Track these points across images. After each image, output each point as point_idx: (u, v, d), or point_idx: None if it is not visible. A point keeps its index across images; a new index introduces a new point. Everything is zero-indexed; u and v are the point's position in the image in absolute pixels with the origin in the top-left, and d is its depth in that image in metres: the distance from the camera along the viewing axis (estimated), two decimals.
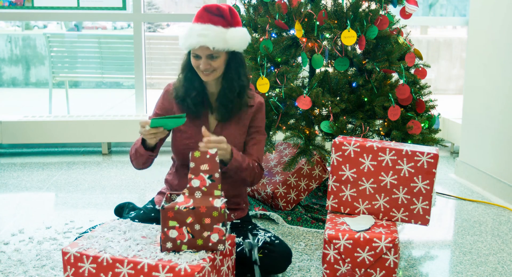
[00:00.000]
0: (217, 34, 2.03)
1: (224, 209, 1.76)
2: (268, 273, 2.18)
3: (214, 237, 1.77)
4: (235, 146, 2.16)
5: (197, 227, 1.76)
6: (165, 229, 1.77)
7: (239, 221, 2.26)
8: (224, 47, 2.05)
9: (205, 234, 1.77)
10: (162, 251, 1.78)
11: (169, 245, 1.78)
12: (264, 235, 2.17)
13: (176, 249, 1.78)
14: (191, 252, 1.78)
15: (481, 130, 3.51)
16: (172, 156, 2.31)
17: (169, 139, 2.29)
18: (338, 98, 2.76)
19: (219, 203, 1.77)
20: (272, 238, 2.16)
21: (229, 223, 2.19)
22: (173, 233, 1.77)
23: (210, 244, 1.77)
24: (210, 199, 1.78)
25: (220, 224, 1.76)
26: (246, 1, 2.99)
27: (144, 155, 2.09)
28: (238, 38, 2.09)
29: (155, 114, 2.25)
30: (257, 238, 2.12)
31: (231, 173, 2.09)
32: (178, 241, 1.77)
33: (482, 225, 2.86)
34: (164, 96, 2.25)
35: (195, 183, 1.79)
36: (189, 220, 1.76)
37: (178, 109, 2.21)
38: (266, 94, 2.73)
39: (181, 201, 1.79)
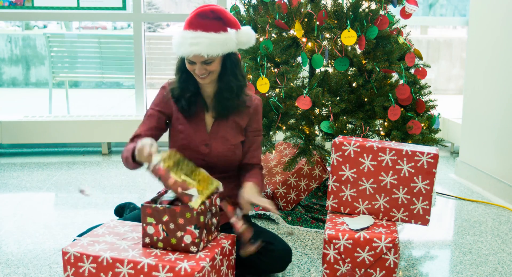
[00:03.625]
0: (210, 41, 1.99)
1: (196, 212, 1.77)
2: (268, 272, 2.18)
3: (187, 238, 1.80)
4: (229, 148, 2.16)
5: (171, 226, 1.80)
6: (144, 225, 1.83)
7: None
8: (219, 52, 2.02)
9: (179, 234, 1.80)
10: (142, 245, 1.84)
11: (147, 240, 1.84)
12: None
13: (154, 245, 1.83)
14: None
15: (481, 130, 3.51)
16: None
17: (165, 138, 2.28)
18: (338, 98, 2.75)
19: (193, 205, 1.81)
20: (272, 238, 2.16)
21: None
22: (150, 229, 1.83)
23: (183, 244, 1.81)
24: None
25: (193, 226, 1.78)
26: (246, 1, 2.99)
27: (132, 165, 2.04)
28: (234, 41, 2.07)
29: (151, 109, 2.21)
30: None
31: None
32: (155, 238, 1.83)
33: (482, 225, 2.86)
34: (160, 94, 2.22)
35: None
36: (165, 218, 1.80)
37: (175, 108, 2.20)
38: (266, 94, 2.73)
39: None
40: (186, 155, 2.17)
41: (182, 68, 2.13)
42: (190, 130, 2.17)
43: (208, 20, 2.01)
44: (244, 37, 2.11)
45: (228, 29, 2.05)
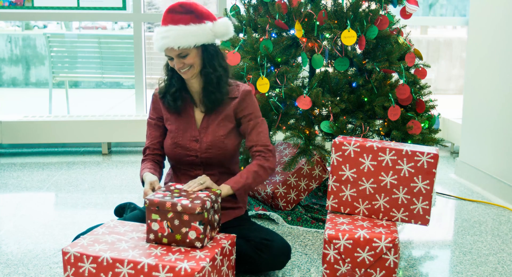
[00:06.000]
0: (178, 33, 2.03)
1: (200, 209, 1.79)
2: (267, 269, 2.18)
3: (192, 234, 1.82)
4: (219, 139, 2.17)
5: (176, 222, 1.82)
6: (149, 221, 1.85)
7: (236, 220, 2.26)
8: (190, 43, 2.04)
9: (184, 230, 1.82)
10: (146, 241, 1.86)
11: (151, 236, 1.85)
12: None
13: (158, 241, 1.85)
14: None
15: (481, 130, 3.51)
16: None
17: None
18: (338, 98, 2.76)
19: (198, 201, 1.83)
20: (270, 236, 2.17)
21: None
22: (155, 226, 1.84)
23: (187, 240, 1.83)
24: (191, 199, 1.84)
25: (197, 222, 1.80)
26: (246, 1, 2.99)
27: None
28: (210, 33, 2.09)
29: (149, 119, 2.29)
30: None
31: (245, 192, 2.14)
32: (160, 234, 1.84)
33: (482, 225, 2.86)
34: (152, 101, 2.29)
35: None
36: (170, 214, 1.82)
37: (164, 108, 2.23)
38: (266, 94, 2.73)
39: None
40: (178, 153, 2.19)
41: (168, 66, 2.20)
42: (180, 129, 2.21)
43: (177, 14, 2.05)
44: (221, 28, 2.12)
45: (205, 21, 2.08)
